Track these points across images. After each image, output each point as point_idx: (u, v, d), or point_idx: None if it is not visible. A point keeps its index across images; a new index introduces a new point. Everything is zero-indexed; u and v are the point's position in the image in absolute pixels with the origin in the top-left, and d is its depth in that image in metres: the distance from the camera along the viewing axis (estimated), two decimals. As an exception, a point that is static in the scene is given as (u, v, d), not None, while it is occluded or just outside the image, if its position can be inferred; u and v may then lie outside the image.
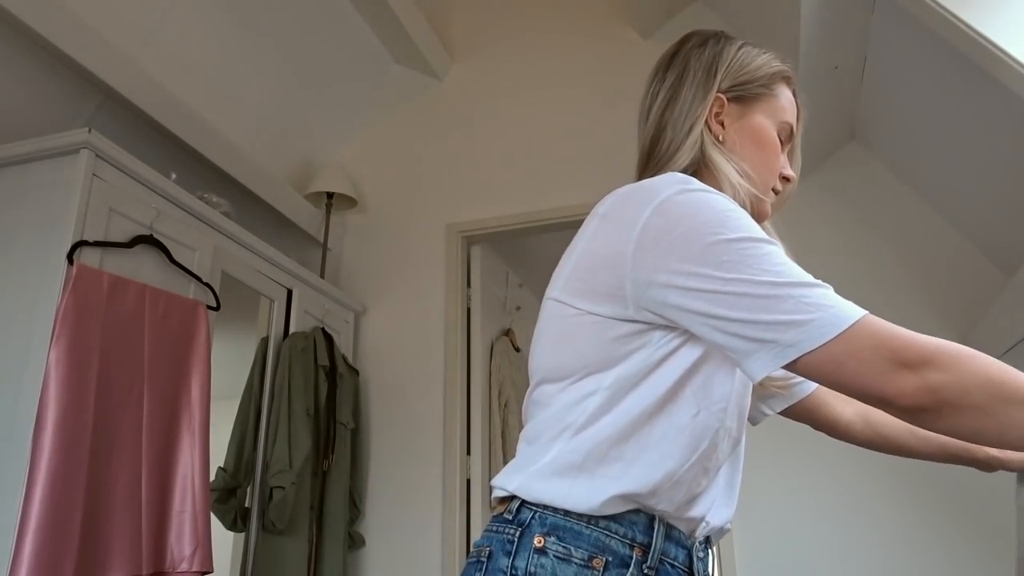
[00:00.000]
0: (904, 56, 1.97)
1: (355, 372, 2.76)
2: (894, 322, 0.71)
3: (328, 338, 2.63)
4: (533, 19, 3.17)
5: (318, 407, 2.46)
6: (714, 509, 0.85)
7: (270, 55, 2.75)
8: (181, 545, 1.76)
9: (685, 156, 0.90)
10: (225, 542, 2.18)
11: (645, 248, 0.76)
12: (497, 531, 0.81)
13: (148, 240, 1.88)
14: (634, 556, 0.77)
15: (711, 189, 0.80)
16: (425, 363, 2.83)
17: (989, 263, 2.26)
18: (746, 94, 0.95)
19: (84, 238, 1.70)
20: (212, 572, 1.82)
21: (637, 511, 0.79)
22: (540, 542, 0.77)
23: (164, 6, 2.32)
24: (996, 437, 0.69)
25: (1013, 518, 1.05)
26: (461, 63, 3.26)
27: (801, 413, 1.10)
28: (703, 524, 0.84)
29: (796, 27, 1.85)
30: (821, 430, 1.14)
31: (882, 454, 2.33)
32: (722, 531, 0.89)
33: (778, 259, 0.73)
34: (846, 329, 0.69)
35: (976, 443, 0.71)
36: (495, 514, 0.84)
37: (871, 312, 0.71)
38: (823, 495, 2.28)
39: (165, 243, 1.92)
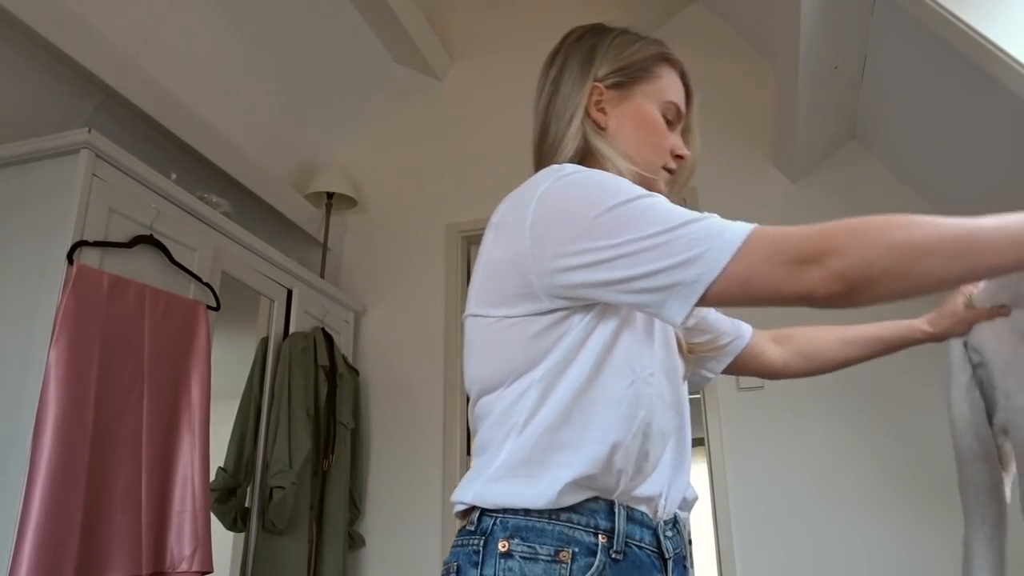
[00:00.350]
0: (904, 56, 1.97)
1: (355, 372, 2.76)
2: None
3: (328, 338, 2.63)
4: (533, 19, 3.17)
5: (318, 407, 2.46)
6: (669, 482, 0.86)
7: (270, 55, 2.75)
8: (181, 545, 1.76)
9: (570, 146, 0.93)
10: (225, 542, 2.18)
11: (539, 241, 0.79)
12: (462, 544, 0.81)
13: (148, 240, 1.88)
14: (599, 543, 0.78)
15: (584, 168, 0.83)
16: (425, 363, 2.83)
17: (989, 263, 2.26)
18: (625, 79, 0.97)
19: (84, 238, 1.70)
20: (212, 572, 1.82)
21: (596, 498, 0.79)
22: (505, 546, 0.77)
23: (164, 6, 2.32)
24: (916, 291, 0.70)
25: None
26: (461, 63, 3.26)
27: (742, 368, 1.14)
28: (662, 500, 0.85)
29: (796, 27, 1.85)
30: (765, 377, 1.18)
31: (871, 441, 2.33)
32: (687, 502, 0.90)
33: (661, 208, 0.76)
34: (738, 249, 0.71)
35: (902, 299, 0.73)
36: (460, 527, 0.84)
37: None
38: (811, 481, 2.28)
39: (165, 243, 1.92)
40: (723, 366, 1.12)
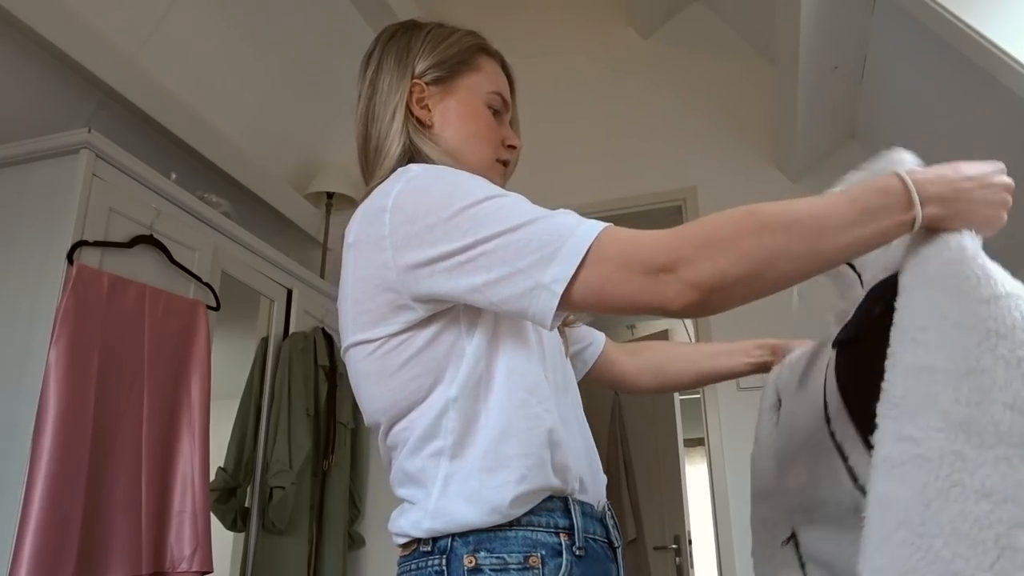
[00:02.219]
0: (904, 56, 1.97)
1: (355, 372, 2.76)
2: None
3: (328, 338, 2.63)
4: (533, 19, 3.17)
5: (318, 407, 2.46)
6: (593, 468, 0.86)
7: (270, 55, 2.75)
8: (181, 545, 1.76)
9: (394, 147, 0.89)
10: (225, 542, 2.18)
11: (400, 249, 0.76)
12: (419, 568, 0.77)
13: (148, 240, 1.88)
14: (562, 542, 0.77)
15: (430, 166, 0.82)
16: (425, 363, 2.82)
17: (989, 263, 2.26)
18: (445, 73, 0.94)
19: (84, 238, 1.70)
20: (212, 572, 1.82)
21: (550, 497, 0.78)
22: (471, 561, 0.74)
23: (164, 6, 2.32)
24: (772, 291, 0.68)
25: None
26: (461, 63, 3.25)
27: (598, 377, 1.14)
28: (596, 489, 0.85)
29: (796, 27, 1.85)
30: (618, 388, 1.18)
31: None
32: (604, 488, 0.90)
33: (513, 206, 0.73)
34: (590, 250, 0.69)
35: (759, 299, 0.70)
36: (405, 555, 0.80)
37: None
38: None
39: (165, 243, 1.92)
40: (581, 375, 1.10)
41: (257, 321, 2.50)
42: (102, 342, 1.66)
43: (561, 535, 0.77)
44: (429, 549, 0.77)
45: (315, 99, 3.05)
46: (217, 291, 2.09)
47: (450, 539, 0.76)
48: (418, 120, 0.92)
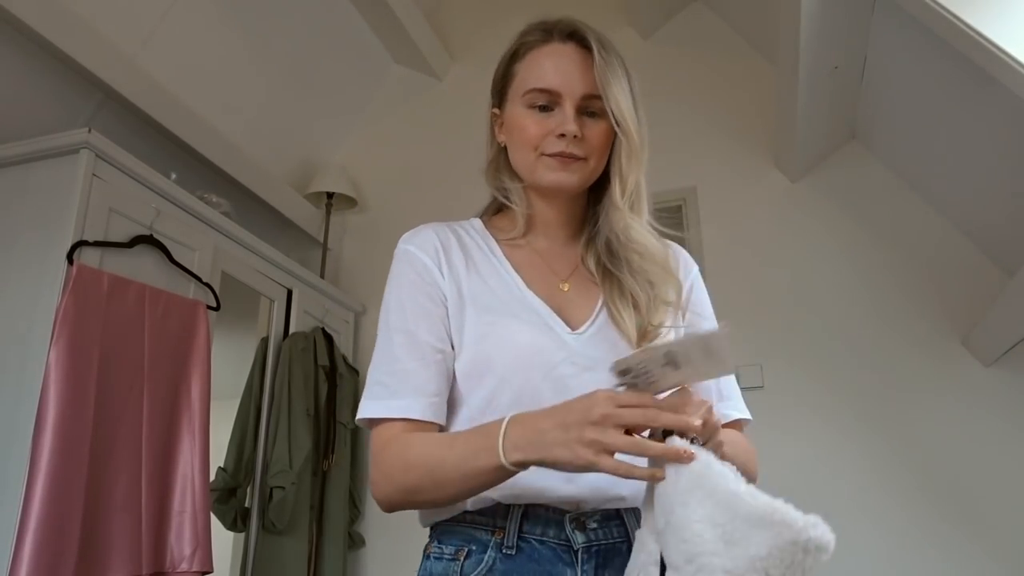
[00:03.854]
0: (904, 56, 1.97)
1: (355, 372, 2.76)
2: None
3: (328, 338, 2.62)
4: (532, 20, 3.17)
5: (318, 407, 2.46)
6: (584, 475, 0.82)
7: (270, 55, 2.75)
8: (181, 545, 1.76)
9: (489, 174, 1.05)
10: (225, 542, 2.18)
11: None
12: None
13: (148, 240, 1.88)
14: (493, 539, 0.83)
15: (402, 247, 1.00)
16: (425, 363, 2.82)
17: (989, 263, 2.26)
18: (498, 97, 1.01)
19: (84, 238, 1.70)
20: (212, 572, 1.82)
21: (496, 504, 0.84)
22: (428, 548, 0.88)
23: (164, 6, 2.32)
24: (434, 505, 0.84)
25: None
26: (461, 63, 3.25)
27: None
28: (585, 490, 0.83)
29: (796, 27, 1.85)
30: None
31: (868, 443, 2.32)
32: (622, 498, 0.87)
33: (383, 341, 0.92)
34: (367, 422, 0.88)
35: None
36: None
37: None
38: (808, 481, 2.28)
39: (165, 243, 1.92)
40: None
41: (257, 321, 2.50)
42: (102, 342, 1.66)
43: (496, 533, 0.83)
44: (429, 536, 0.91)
45: (315, 99, 3.05)
46: (217, 291, 2.09)
47: (432, 529, 0.89)
48: (499, 145, 1.01)
